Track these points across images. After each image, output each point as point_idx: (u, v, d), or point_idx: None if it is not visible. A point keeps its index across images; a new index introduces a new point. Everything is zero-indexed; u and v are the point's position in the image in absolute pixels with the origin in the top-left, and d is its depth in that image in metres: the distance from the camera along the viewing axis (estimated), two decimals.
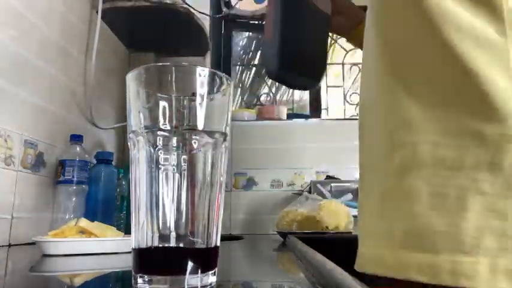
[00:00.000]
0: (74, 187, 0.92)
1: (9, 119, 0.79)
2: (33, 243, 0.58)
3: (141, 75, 0.30)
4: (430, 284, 0.32)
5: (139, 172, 0.29)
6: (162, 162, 0.28)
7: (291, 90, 2.02)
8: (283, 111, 1.69)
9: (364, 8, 0.47)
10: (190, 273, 0.27)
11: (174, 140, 0.28)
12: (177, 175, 0.28)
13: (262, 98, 2.02)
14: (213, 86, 0.30)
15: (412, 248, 0.34)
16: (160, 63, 0.29)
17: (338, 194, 1.34)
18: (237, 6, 1.74)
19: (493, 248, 0.32)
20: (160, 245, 0.28)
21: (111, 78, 1.29)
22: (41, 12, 0.91)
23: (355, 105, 1.95)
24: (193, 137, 0.29)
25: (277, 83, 2.11)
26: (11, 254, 0.65)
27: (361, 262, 0.40)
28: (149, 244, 0.28)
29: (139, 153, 0.29)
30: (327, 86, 2.02)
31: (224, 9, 1.71)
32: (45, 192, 0.90)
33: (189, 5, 1.24)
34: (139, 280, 0.27)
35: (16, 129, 0.81)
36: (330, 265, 0.36)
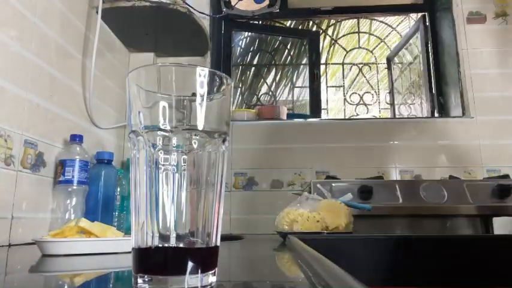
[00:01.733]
0: (74, 187, 0.92)
1: (9, 119, 0.79)
2: (33, 243, 0.58)
3: (141, 75, 0.30)
4: None
5: (139, 172, 0.29)
6: (162, 162, 0.28)
7: (290, 89, 2.02)
8: (283, 111, 1.69)
9: None
10: (190, 273, 0.27)
11: (174, 140, 0.28)
12: (177, 175, 0.28)
13: (262, 98, 2.02)
14: (213, 86, 0.30)
15: None
16: (160, 63, 0.29)
17: (338, 194, 1.34)
18: (237, 6, 1.74)
19: None
20: (160, 245, 0.28)
21: (111, 78, 1.28)
22: (41, 12, 0.91)
23: (355, 105, 1.95)
24: (193, 137, 0.29)
25: (277, 82, 2.11)
26: (11, 254, 0.65)
27: None
28: (149, 244, 0.28)
29: (139, 153, 0.29)
30: (327, 86, 2.02)
31: (224, 9, 1.71)
32: (45, 192, 0.90)
33: (189, 5, 1.24)
34: (139, 280, 0.27)
35: (16, 129, 0.81)
36: (330, 265, 0.36)
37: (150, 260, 0.28)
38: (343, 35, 2.20)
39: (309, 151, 1.59)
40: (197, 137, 0.29)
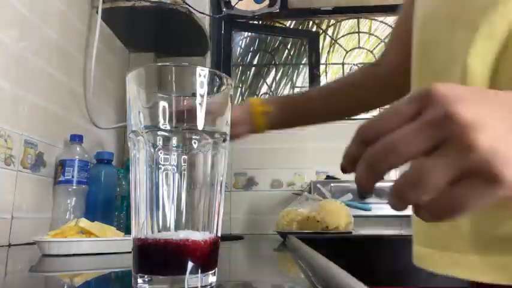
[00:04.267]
0: (74, 187, 0.92)
1: (9, 119, 0.79)
2: (33, 243, 0.58)
3: (141, 75, 0.30)
4: None
5: (139, 172, 0.29)
6: (162, 162, 0.28)
7: (291, 89, 2.03)
8: None
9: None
10: (190, 273, 0.27)
11: (174, 140, 0.28)
12: (177, 175, 0.28)
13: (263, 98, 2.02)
14: (213, 86, 0.30)
15: None
16: (160, 63, 0.29)
17: (338, 194, 1.34)
18: (237, 6, 1.74)
19: None
20: (160, 245, 0.28)
21: (111, 78, 1.28)
22: (41, 12, 0.91)
23: None
24: (193, 137, 0.29)
25: (275, 82, 2.11)
26: (11, 254, 0.65)
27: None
28: (149, 244, 0.28)
29: (139, 153, 0.29)
30: None
31: (224, 9, 1.71)
32: (45, 192, 0.90)
33: (189, 5, 1.24)
34: (139, 280, 0.27)
35: (16, 129, 0.81)
36: (330, 265, 0.36)
37: (150, 259, 0.28)
38: (343, 35, 2.20)
39: (309, 151, 1.59)
40: (197, 137, 0.29)
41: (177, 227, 0.28)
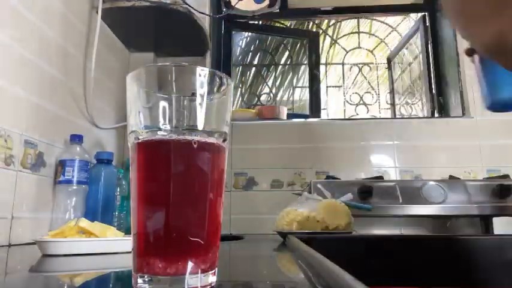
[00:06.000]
0: (74, 187, 0.92)
1: (9, 119, 0.79)
2: (33, 243, 0.58)
3: (141, 75, 0.30)
4: None
5: None
6: None
7: (291, 90, 2.02)
8: (283, 111, 1.69)
9: None
10: (190, 273, 0.27)
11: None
12: None
13: (262, 98, 2.02)
14: (213, 86, 0.30)
15: None
16: (160, 63, 0.29)
17: (338, 194, 1.34)
18: (237, 6, 1.74)
19: None
20: (160, 245, 0.28)
21: (111, 78, 1.28)
22: (41, 12, 0.91)
23: (355, 105, 1.95)
24: (193, 137, 0.29)
25: (277, 83, 2.11)
26: (11, 254, 0.65)
27: None
28: (149, 244, 0.28)
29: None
30: (327, 86, 2.02)
31: (224, 9, 1.71)
32: (45, 192, 0.90)
33: (189, 5, 1.24)
34: (139, 280, 0.27)
35: (16, 129, 0.81)
36: (330, 265, 0.36)
37: (150, 259, 0.28)
38: (343, 35, 2.20)
39: (309, 151, 1.59)
40: (197, 137, 0.29)
41: (177, 226, 0.28)
